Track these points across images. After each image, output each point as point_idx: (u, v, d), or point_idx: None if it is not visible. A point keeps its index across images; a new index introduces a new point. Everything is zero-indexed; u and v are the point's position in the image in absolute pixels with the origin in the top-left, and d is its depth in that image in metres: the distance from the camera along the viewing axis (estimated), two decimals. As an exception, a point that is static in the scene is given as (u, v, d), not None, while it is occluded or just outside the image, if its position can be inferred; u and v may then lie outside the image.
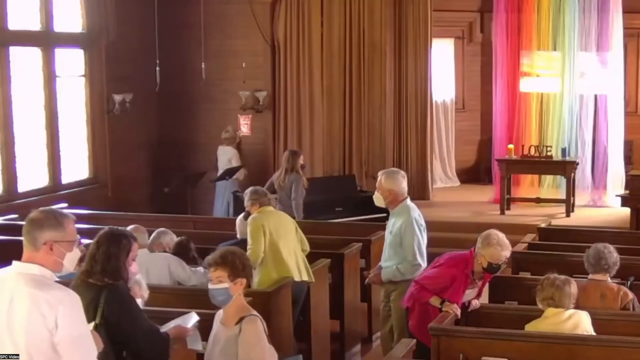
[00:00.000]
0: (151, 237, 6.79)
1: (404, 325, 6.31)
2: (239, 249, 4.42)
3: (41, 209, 3.65)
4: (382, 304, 6.76)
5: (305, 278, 6.59)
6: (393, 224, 6.43)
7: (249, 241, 6.55)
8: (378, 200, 6.50)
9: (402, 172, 6.57)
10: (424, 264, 6.38)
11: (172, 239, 6.87)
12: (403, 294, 6.31)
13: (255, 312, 4.22)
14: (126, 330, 4.13)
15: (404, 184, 6.45)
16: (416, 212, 6.46)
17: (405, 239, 6.31)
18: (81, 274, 4.23)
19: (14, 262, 3.58)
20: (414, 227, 6.33)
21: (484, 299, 6.52)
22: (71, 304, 3.43)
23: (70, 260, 3.60)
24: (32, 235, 3.53)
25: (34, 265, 3.50)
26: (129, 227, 6.64)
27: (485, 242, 5.65)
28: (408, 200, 6.47)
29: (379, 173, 6.56)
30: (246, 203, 6.85)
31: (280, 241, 6.52)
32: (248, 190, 6.92)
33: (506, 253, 5.67)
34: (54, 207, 9.80)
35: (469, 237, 11.08)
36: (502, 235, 5.70)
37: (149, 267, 6.34)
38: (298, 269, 6.55)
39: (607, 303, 5.71)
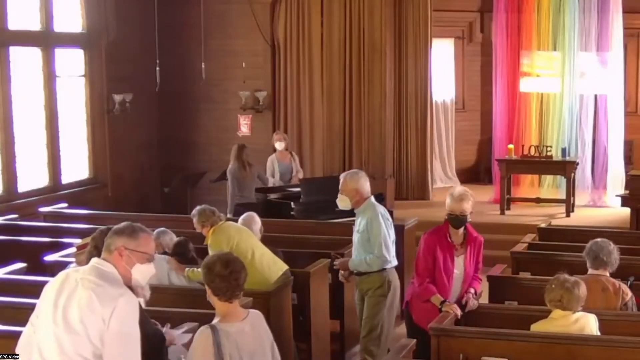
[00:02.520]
0: None
1: (376, 324, 6.42)
2: (220, 255, 4.30)
3: (128, 222, 3.88)
4: (357, 307, 6.75)
5: (284, 268, 6.56)
6: (359, 223, 6.49)
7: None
8: (343, 202, 6.53)
9: (364, 173, 6.66)
10: (389, 257, 6.44)
11: (171, 238, 6.86)
12: (378, 294, 6.40)
13: (219, 323, 4.08)
14: None
15: (367, 184, 6.54)
16: (381, 208, 6.55)
17: (372, 233, 6.36)
18: None
19: (92, 259, 3.77)
20: (380, 221, 6.38)
21: (484, 298, 6.52)
22: (128, 302, 3.60)
23: (141, 274, 3.77)
24: (109, 240, 3.75)
25: (109, 263, 3.70)
26: (156, 231, 6.69)
27: (447, 198, 5.92)
28: (372, 199, 6.54)
29: (342, 175, 6.65)
30: (196, 226, 6.71)
31: (249, 247, 6.45)
32: (195, 212, 6.72)
33: (462, 205, 5.82)
34: (55, 206, 9.85)
35: (469, 237, 11.16)
36: (460, 188, 6.05)
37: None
38: (275, 264, 6.52)
39: (608, 296, 5.70)
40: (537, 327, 5.21)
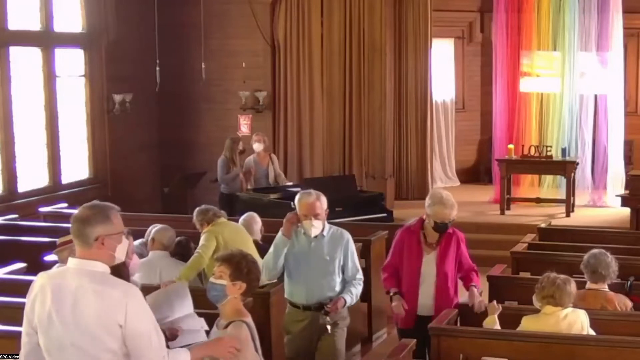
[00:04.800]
0: (147, 234, 6.80)
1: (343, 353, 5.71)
2: (244, 254, 4.35)
3: (85, 205, 3.71)
4: (299, 343, 5.58)
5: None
6: (326, 247, 5.52)
7: (200, 245, 6.54)
8: (319, 228, 5.47)
9: None
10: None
11: (171, 236, 6.82)
12: (347, 322, 5.67)
13: (246, 319, 4.10)
14: None
15: None
16: None
17: (353, 256, 5.64)
18: None
19: (71, 260, 3.64)
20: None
21: (484, 299, 6.51)
22: (138, 299, 3.54)
23: (121, 251, 3.69)
24: (83, 232, 3.59)
25: (96, 262, 3.59)
26: (156, 227, 6.71)
27: (430, 200, 5.73)
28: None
29: (306, 197, 5.47)
30: (197, 227, 6.82)
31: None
32: (194, 212, 6.86)
33: (449, 211, 5.67)
34: (55, 206, 9.85)
35: (469, 237, 11.02)
36: (447, 194, 5.78)
37: (163, 270, 6.35)
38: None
39: None
40: (528, 321, 5.24)
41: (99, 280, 3.54)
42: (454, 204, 5.73)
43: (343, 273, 5.61)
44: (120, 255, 3.68)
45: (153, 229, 6.71)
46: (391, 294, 5.82)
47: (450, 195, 5.79)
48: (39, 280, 3.66)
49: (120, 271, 4.21)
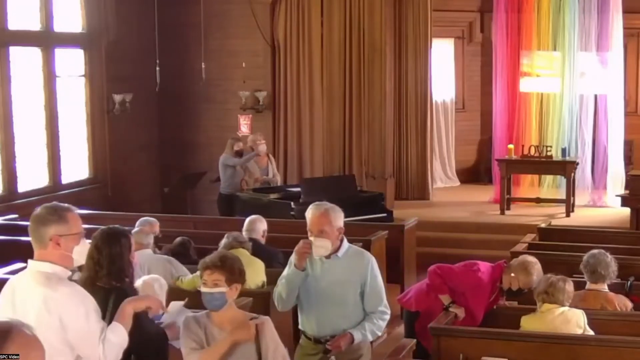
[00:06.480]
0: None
1: None
2: (235, 255, 4.34)
3: (44, 205, 3.68)
4: None
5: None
6: (341, 270, 4.69)
7: None
8: (324, 248, 4.59)
9: None
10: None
11: (146, 237, 6.72)
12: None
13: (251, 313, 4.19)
14: (133, 334, 4.09)
15: None
16: None
17: (376, 283, 4.74)
18: (86, 279, 4.18)
19: (29, 261, 3.62)
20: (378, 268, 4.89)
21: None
22: (75, 300, 3.51)
23: (80, 253, 3.66)
24: (38, 232, 3.57)
25: (46, 263, 3.56)
26: (139, 222, 6.69)
27: (527, 270, 5.63)
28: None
29: (315, 211, 4.74)
30: None
31: None
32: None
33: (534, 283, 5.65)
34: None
35: (469, 237, 11.18)
36: (540, 266, 5.70)
37: (151, 268, 6.34)
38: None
39: None
40: (526, 320, 5.31)
41: (45, 283, 3.52)
42: None
43: (363, 302, 4.73)
44: (78, 257, 3.65)
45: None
46: (449, 303, 5.77)
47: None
48: (8, 282, 3.69)
49: (125, 271, 4.22)
